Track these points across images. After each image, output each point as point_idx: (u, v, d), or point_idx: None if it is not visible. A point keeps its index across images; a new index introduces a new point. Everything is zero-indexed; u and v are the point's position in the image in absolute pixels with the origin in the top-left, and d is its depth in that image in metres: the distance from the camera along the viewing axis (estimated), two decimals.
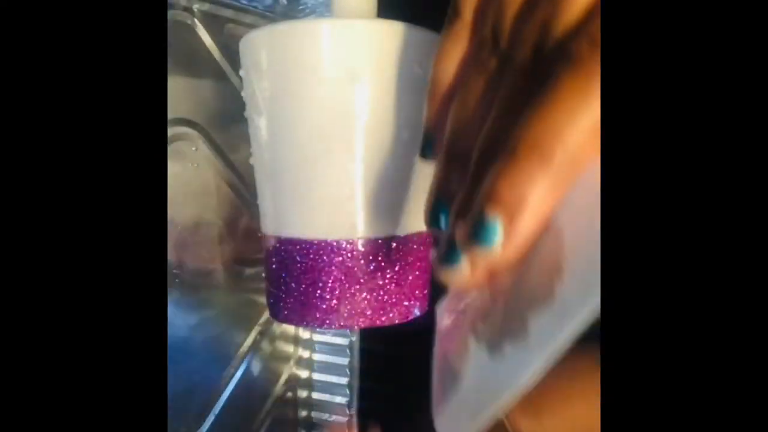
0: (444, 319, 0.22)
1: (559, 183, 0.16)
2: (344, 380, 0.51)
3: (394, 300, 0.28)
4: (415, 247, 0.28)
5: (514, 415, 0.21)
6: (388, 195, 0.27)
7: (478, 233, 0.16)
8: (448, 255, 0.18)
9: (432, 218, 0.21)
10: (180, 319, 0.41)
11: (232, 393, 0.44)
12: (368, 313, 0.28)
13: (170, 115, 0.39)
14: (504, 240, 0.16)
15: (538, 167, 0.15)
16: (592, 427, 0.33)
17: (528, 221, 0.16)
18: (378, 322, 0.28)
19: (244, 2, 0.42)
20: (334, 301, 0.27)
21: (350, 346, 0.50)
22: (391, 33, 0.26)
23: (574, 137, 0.15)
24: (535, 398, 0.34)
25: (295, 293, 0.28)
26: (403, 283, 0.28)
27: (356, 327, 0.28)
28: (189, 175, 0.41)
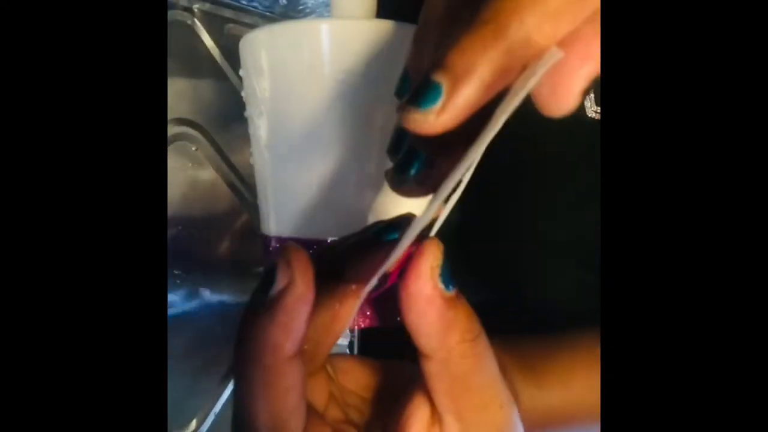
0: None
1: (510, 60, 0.15)
2: None
3: (394, 300, 0.28)
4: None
5: (514, 383, 0.21)
6: (388, 194, 0.27)
7: (419, 95, 0.15)
8: (403, 162, 0.18)
9: (393, 146, 0.20)
10: (180, 319, 0.41)
11: (232, 393, 0.44)
12: (368, 313, 0.28)
13: (170, 115, 0.39)
14: (444, 103, 0.15)
15: (491, 39, 0.15)
16: (592, 397, 0.34)
17: (471, 89, 0.15)
18: (378, 322, 0.28)
19: (244, 2, 0.42)
20: None
21: (350, 346, 0.50)
22: (391, 33, 0.26)
23: (533, 17, 0.15)
24: (538, 367, 0.34)
25: None
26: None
27: (356, 327, 0.28)
28: (189, 175, 0.41)
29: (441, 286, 0.17)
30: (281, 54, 0.27)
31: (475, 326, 0.18)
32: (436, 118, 0.15)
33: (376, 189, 0.27)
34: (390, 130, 0.27)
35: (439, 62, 0.16)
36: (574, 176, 0.39)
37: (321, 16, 0.43)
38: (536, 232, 0.42)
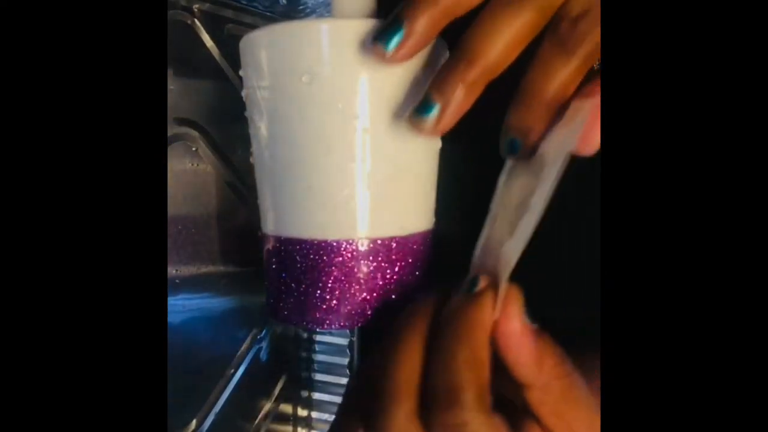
0: None
1: (481, 82, 0.23)
2: (344, 380, 0.51)
3: (394, 300, 0.28)
4: (415, 247, 0.28)
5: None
6: (388, 195, 0.27)
7: (420, 109, 0.24)
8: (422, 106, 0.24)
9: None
10: (180, 319, 0.41)
11: (232, 393, 0.44)
12: (368, 313, 0.28)
13: (170, 115, 0.39)
14: (437, 118, 0.24)
15: (464, 70, 0.23)
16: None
17: (454, 109, 0.23)
18: (378, 322, 0.28)
19: (244, 2, 0.42)
20: (334, 301, 0.27)
21: (350, 346, 0.50)
22: None
23: (496, 47, 0.22)
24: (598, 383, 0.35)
25: (295, 293, 0.28)
26: (403, 283, 0.28)
27: (356, 327, 0.28)
28: (189, 175, 0.41)
29: (528, 321, 0.21)
30: (281, 54, 0.27)
31: (560, 349, 0.21)
32: (433, 127, 0.24)
33: (377, 189, 0.27)
34: (390, 129, 0.27)
35: (436, 86, 0.24)
36: (580, 172, 0.39)
37: (321, 16, 0.44)
38: (536, 238, 0.42)
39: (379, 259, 0.27)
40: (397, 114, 0.27)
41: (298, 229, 0.28)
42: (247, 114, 0.30)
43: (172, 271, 0.40)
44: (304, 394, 0.52)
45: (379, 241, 0.27)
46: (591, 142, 0.21)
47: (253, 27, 0.33)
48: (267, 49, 0.27)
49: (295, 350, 0.52)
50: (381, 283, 0.28)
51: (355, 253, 0.27)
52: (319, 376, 0.52)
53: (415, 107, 0.24)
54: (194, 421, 0.42)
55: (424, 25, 0.22)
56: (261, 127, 0.28)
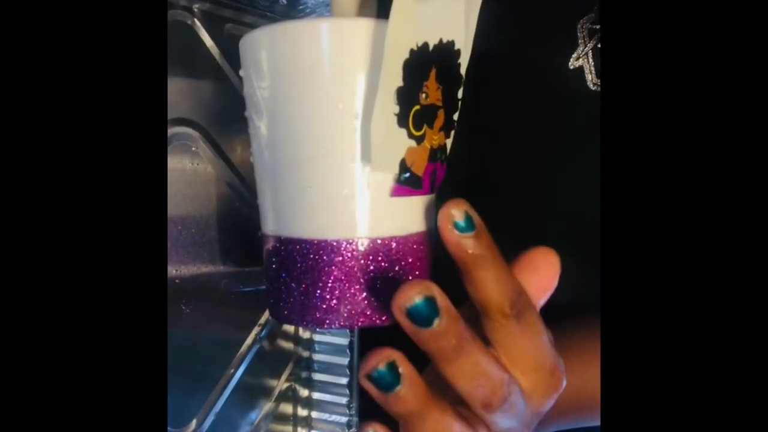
0: None
1: None
2: (344, 380, 0.51)
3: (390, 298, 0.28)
4: (415, 247, 0.28)
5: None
6: (388, 195, 0.27)
7: None
8: None
9: None
10: (180, 319, 0.41)
11: (232, 392, 0.44)
12: (368, 313, 0.28)
13: (170, 115, 0.39)
14: None
15: None
16: (587, 387, 0.35)
17: None
18: (378, 322, 0.28)
19: (244, 2, 0.42)
20: (334, 301, 0.27)
21: (350, 346, 0.50)
22: None
23: None
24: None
25: (295, 293, 0.28)
26: (403, 282, 0.28)
27: (356, 327, 0.28)
28: (189, 175, 0.41)
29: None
30: (281, 54, 0.27)
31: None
32: None
33: (377, 189, 0.27)
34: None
35: None
36: (573, 149, 0.40)
37: (321, 16, 0.44)
38: (532, 219, 0.42)
39: (379, 259, 0.27)
40: None
41: (298, 229, 0.28)
42: (247, 114, 0.30)
43: (172, 271, 0.40)
44: (304, 394, 0.52)
45: (379, 241, 0.27)
46: None
47: (253, 27, 0.33)
48: (267, 49, 0.27)
49: (295, 350, 0.52)
50: (381, 283, 0.28)
51: (355, 252, 0.27)
52: (319, 376, 0.52)
53: None
54: (194, 421, 0.42)
55: None
56: (261, 127, 0.28)
